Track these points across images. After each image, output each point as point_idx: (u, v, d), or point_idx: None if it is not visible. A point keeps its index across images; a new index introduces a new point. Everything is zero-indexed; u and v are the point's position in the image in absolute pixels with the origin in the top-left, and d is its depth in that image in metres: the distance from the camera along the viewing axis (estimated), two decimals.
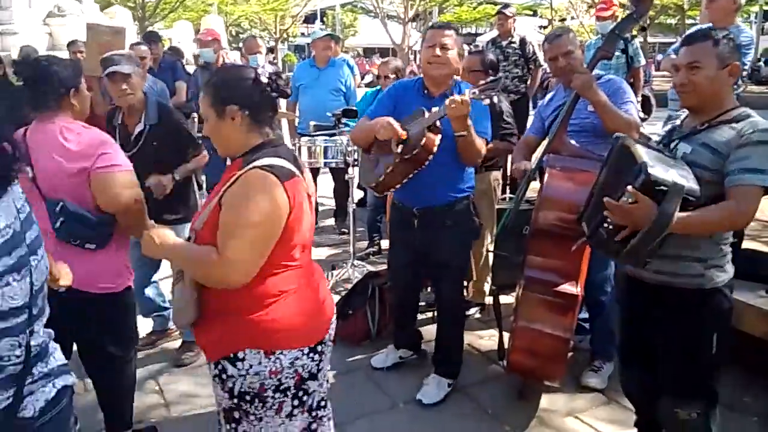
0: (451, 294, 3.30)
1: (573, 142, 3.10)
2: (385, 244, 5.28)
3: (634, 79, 5.67)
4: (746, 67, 4.03)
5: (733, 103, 2.21)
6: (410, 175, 2.95)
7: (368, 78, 26.13)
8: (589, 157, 2.98)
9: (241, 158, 1.87)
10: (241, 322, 1.82)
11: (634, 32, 5.43)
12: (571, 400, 3.22)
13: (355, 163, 4.30)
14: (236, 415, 1.91)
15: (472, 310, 4.15)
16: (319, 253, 5.43)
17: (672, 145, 2.26)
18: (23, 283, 1.38)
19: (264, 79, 1.86)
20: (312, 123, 4.90)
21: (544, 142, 3.34)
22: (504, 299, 3.86)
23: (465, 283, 3.73)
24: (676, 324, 2.26)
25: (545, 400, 3.21)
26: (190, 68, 13.49)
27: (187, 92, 6.12)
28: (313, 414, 1.99)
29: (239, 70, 1.93)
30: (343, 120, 4.64)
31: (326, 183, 6.22)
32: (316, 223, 6.11)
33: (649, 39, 31.59)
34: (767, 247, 4.35)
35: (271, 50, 36.54)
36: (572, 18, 34.44)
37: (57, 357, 1.56)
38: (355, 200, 5.03)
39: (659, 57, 36.61)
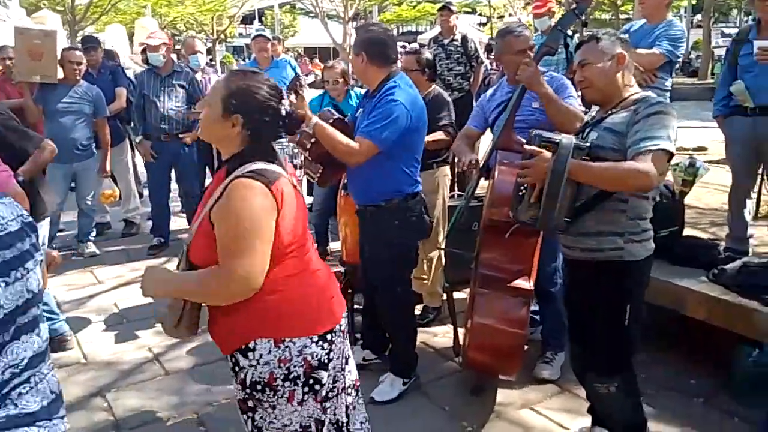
0: (383, 298, 3.26)
1: (519, 137, 3.14)
2: (333, 246, 5.26)
3: (575, 74, 5.78)
4: (679, 60, 4.17)
5: (632, 91, 2.37)
6: (331, 167, 3.09)
7: (310, 78, 26.04)
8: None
9: (226, 166, 1.89)
10: (249, 312, 1.84)
11: (575, 28, 5.56)
12: (525, 393, 3.26)
13: (302, 165, 4.23)
14: (250, 404, 1.93)
15: (429, 316, 4.14)
16: None
17: (584, 135, 2.41)
18: None
19: (283, 112, 1.90)
20: None
21: (488, 137, 3.38)
22: (458, 295, 3.90)
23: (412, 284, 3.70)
24: (596, 297, 2.41)
25: (500, 394, 3.25)
26: (128, 73, 13.28)
27: (127, 98, 5.93)
28: (324, 405, 1.97)
29: (267, 89, 1.90)
30: None
31: None
32: None
33: (585, 33, 32.41)
34: (705, 234, 4.51)
35: (209, 51, 35.93)
36: (509, 15, 35.08)
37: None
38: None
39: None
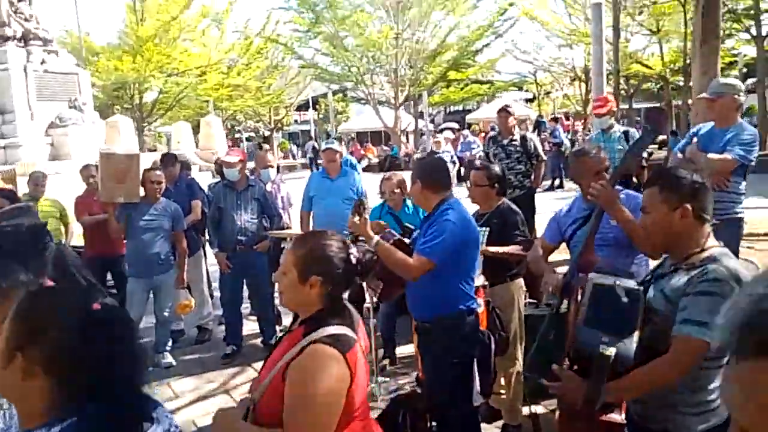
0: (445, 418, 3.27)
1: (599, 257, 3.12)
2: (400, 351, 5.23)
3: (636, 172, 5.78)
4: (752, 163, 4.12)
5: (699, 246, 2.08)
6: (391, 283, 3.31)
7: (364, 162, 26.69)
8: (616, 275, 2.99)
9: (304, 325, 1.94)
10: None
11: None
12: None
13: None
14: None
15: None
16: None
17: (645, 287, 2.19)
18: None
19: (353, 259, 1.96)
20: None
21: (563, 251, 3.36)
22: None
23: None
24: None
25: None
26: (192, 168, 13.89)
27: (202, 210, 6.20)
28: None
29: (333, 244, 1.99)
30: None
31: None
32: None
33: (634, 105, 32.45)
34: None
35: (266, 139, 37.41)
36: (556, 90, 35.49)
37: None
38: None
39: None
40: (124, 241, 5.54)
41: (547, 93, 37.42)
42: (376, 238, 3.15)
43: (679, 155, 4.31)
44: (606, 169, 3.35)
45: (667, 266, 2.16)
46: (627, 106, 30.53)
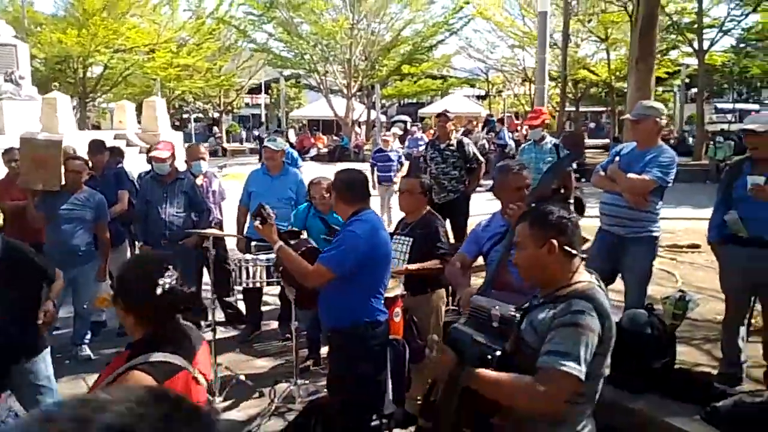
0: (344, 420, 3.32)
1: (514, 275, 3.18)
2: (325, 351, 5.22)
3: (566, 182, 5.92)
4: (669, 185, 4.25)
5: (567, 280, 2.11)
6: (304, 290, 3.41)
7: (313, 152, 26.52)
8: (525, 293, 3.06)
9: (129, 350, 1.90)
10: None
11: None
12: None
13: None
14: None
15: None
16: (261, 365, 5.32)
17: (521, 320, 2.19)
18: None
19: (160, 290, 1.88)
20: (253, 244, 4.89)
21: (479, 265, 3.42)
22: None
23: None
24: None
25: None
26: (133, 150, 13.50)
27: (130, 200, 6.03)
28: None
29: (145, 273, 1.93)
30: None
31: None
32: (259, 328, 6.03)
33: (581, 108, 33.21)
34: (699, 351, 4.51)
35: (216, 122, 36.72)
36: (508, 90, 35.99)
37: None
38: None
39: (591, 125, 38.62)
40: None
41: (499, 92, 37.91)
42: (279, 243, 3.22)
43: (601, 173, 4.42)
44: (527, 187, 3.41)
45: (538, 299, 2.20)
46: (574, 109, 31.23)
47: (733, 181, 3.95)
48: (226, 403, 4.53)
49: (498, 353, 2.06)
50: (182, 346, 1.92)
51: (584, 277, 2.14)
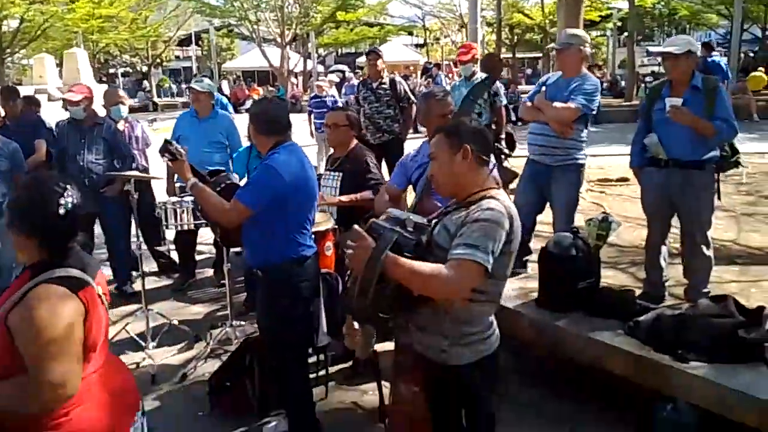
0: (273, 361, 3.32)
1: (437, 203, 3.19)
2: None
3: (497, 118, 5.95)
4: (593, 112, 4.32)
5: (479, 186, 2.22)
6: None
7: (248, 104, 25.84)
8: None
9: (28, 270, 1.84)
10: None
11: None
12: None
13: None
14: None
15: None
16: (197, 311, 5.25)
17: (433, 226, 2.27)
18: None
19: (63, 210, 1.82)
20: (178, 185, 4.73)
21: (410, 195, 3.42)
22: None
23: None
24: (431, 396, 2.36)
25: None
26: (55, 105, 12.82)
27: (48, 149, 5.73)
28: None
29: (44, 195, 1.85)
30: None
31: (207, 230, 6.02)
32: (194, 276, 5.93)
33: (518, 55, 33.43)
34: (625, 274, 4.67)
35: (145, 75, 35.25)
36: (445, 37, 35.86)
37: None
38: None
39: (528, 71, 39.03)
40: None
41: (437, 39, 37.71)
42: (193, 179, 3.07)
43: (528, 103, 4.45)
44: (451, 113, 3.39)
45: (452, 206, 2.28)
46: (511, 55, 31.40)
47: (652, 105, 4.02)
48: (160, 349, 4.46)
49: (414, 242, 2.11)
50: (83, 266, 1.88)
51: (494, 185, 2.26)
